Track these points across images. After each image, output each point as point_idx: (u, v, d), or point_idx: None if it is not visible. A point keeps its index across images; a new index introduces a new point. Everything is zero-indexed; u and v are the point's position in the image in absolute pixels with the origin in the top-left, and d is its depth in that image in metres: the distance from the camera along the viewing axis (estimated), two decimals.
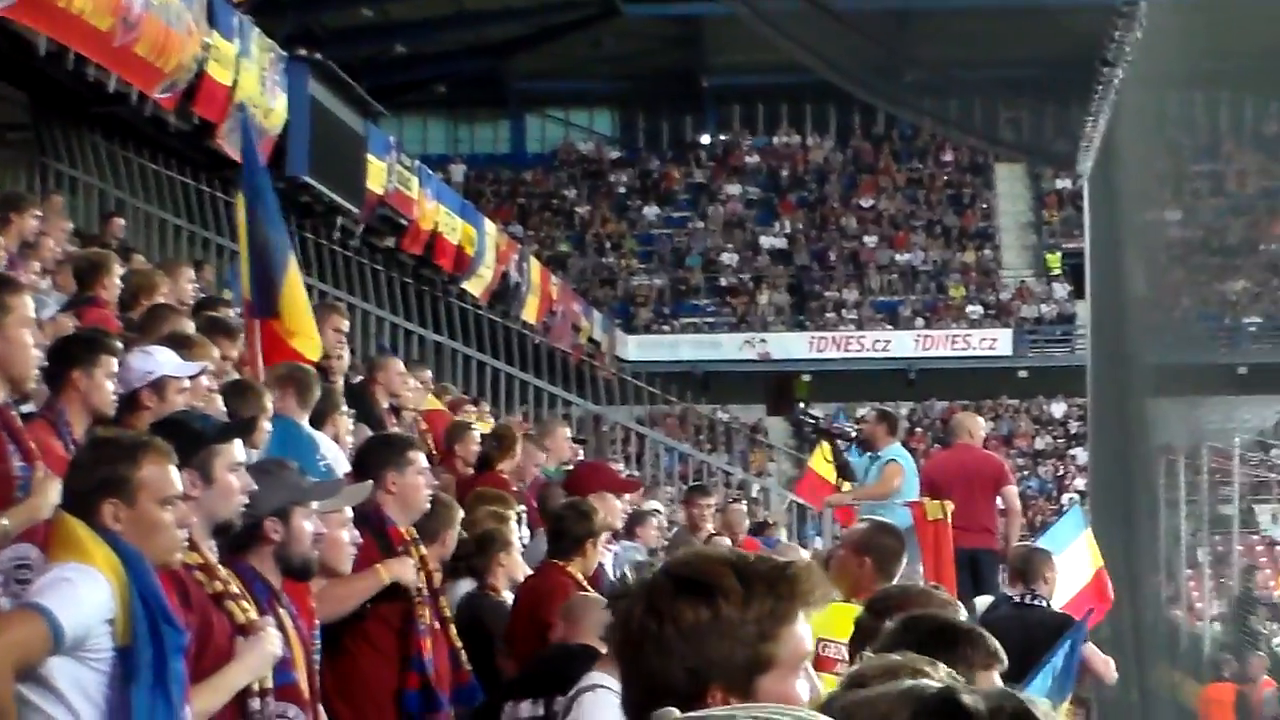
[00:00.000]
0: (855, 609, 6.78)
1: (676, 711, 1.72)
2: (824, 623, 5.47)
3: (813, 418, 15.48)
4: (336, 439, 9.74)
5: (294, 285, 10.49)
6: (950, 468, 15.39)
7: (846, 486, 16.23)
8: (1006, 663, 4.02)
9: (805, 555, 12.52)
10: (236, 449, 6.05)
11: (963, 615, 4.31)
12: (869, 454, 15.29)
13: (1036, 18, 42.46)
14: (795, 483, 20.86)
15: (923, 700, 2.16)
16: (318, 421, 9.46)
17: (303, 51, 26.90)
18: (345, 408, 10.00)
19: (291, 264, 10.60)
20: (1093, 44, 22.11)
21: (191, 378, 7.49)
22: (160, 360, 7.35)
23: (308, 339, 10.38)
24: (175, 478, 5.39)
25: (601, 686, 6.29)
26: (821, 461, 17.03)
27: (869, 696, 2.18)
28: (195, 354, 8.13)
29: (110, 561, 5.06)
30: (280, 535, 6.25)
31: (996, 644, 4.14)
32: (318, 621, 6.89)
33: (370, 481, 7.52)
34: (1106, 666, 12.69)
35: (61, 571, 5.04)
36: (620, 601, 3.05)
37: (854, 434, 17.72)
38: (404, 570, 7.66)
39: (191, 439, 5.83)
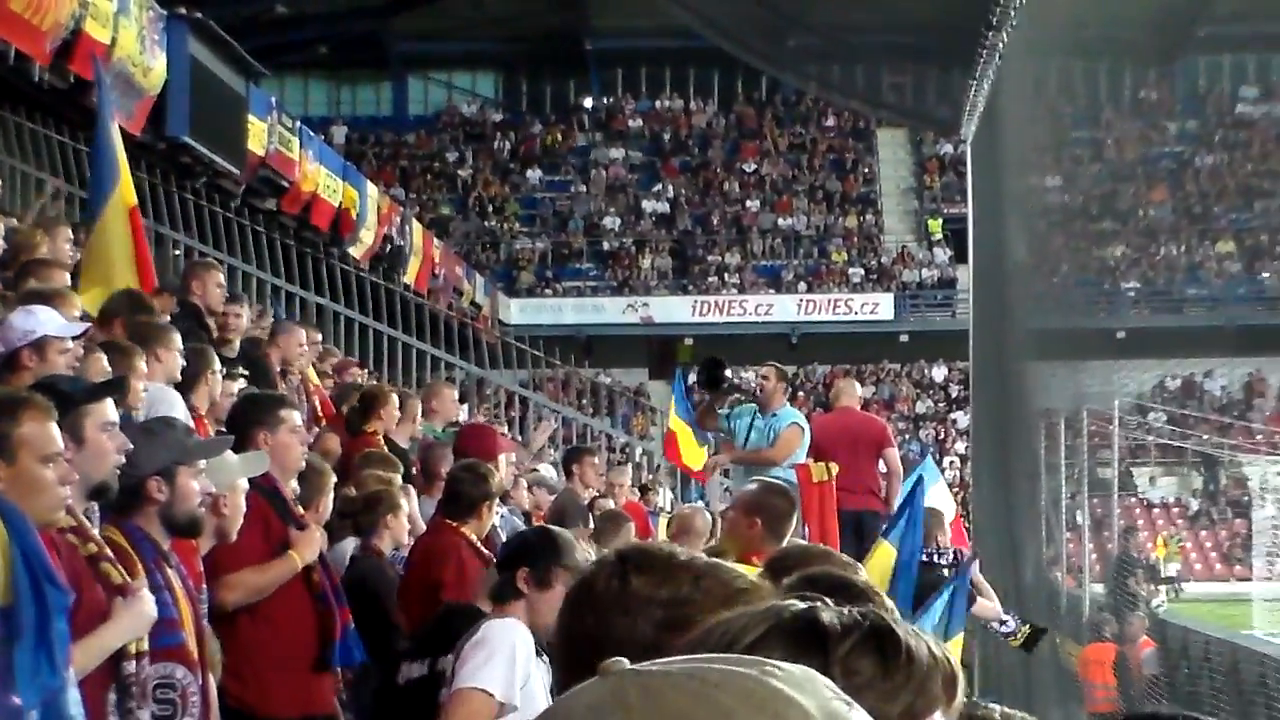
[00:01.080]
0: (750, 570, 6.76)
1: (626, 661, 1.67)
2: None
3: (723, 371, 15.15)
4: (210, 399, 9.61)
5: (107, 232, 10.39)
6: (833, 430, 15.41)
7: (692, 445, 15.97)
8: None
9: (707, 516, 12.53)
10: (108, 409, 5.94)
11: (862, 575, 4.28)
12: (761, 413, 15.09)
13: None
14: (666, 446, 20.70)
15: (780, 618, 2.12)
16: (191, 381, 9.33)
17: (182, 10, 26.54)
18: (218, 367, 9.84)
19: (111, 209, 10.48)
20: (977, 8, 22.17)
21: (74, 338, 7.38)
22: (42, 319, 7.23)
23: (95, 287, 10.27)
24: (56, 435, 5.30)
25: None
26: (678, 421, 16.78)
27: (729, 616, 2.15)
28: (69, 312, 8.01)
29: None
30: (165, 495, 6.17)
31: (892, 604, 4.12)
32: (211, 591, 6.81)
33: (263, 444, 7.43)
34: (991, 604, 12.97)
35: None
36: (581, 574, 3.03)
37: (753, 392, 17.50)
38: (314, 551, 7.61)
39: (61, 400, 5.71)
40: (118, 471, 5.88)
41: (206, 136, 26.44)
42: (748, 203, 59.39)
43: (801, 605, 2.14)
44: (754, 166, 60.70)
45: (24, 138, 23.12)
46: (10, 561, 4.93)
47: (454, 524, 8.80)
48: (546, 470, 15.37)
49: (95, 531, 5.77)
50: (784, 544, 8.06)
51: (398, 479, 10.06)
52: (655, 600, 2.83)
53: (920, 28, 40.30)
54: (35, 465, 5.19)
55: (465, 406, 20.57)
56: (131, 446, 5.94)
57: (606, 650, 1.94)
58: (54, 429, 5.29)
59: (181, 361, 9.04)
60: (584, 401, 34.80)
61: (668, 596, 2.83)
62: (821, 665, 1.93)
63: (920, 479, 12.73)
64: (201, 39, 26.61)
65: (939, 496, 14.25)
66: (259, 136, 28.70)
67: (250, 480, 7.24)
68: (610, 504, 14.93)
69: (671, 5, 37.29)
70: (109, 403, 5.97)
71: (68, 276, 9.81)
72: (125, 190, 11.14)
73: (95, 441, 5.79)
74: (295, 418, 8.05)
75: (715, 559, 2.99)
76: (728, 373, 15.97)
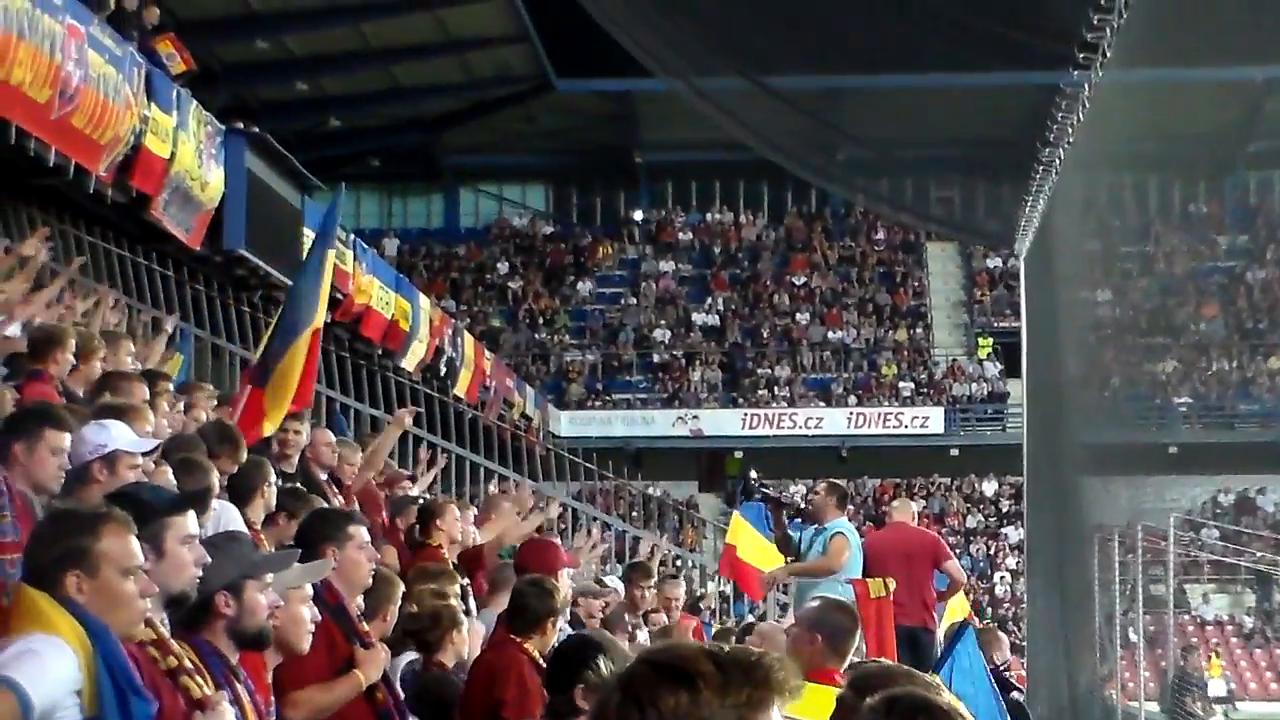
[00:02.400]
0: (819, 689, 6.74)
1: None
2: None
3: (765, 486, 15.37)
4: (267, 510, 9.65)
5: (294, 358, 10.49)
6: (887, 546, 15.39)
7: (767, 557, 16.12)
8: None
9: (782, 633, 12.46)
10: (189, 521, 5.98)
11: (945, 696, 4.27)
12: (814, 526, 15.23)
13: (972, 97, 42.76)
14: (720, 561, 20.77)
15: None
16: (248, 494, 9.38)
17: (240, 124, 26.79)
18: (274, 480, 9.90)
19: (302, 337, 10.59)
20: (1028, 124, 22.24)
21: (145, 454, 7.42)
22: (114, 434, 7.26)
23: (277, 412, 10.39)
24: (136, 548, 5.33)
25: None
26: (741, 536, 16.92)
27: None
28: (142, 427, 8.05)
29: (75, 632, 5.00)
30: (233, 610, 6.18)
31: None
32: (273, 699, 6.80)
33: (329, 558, 7.44)
34: None
35: (28, 643, 4.97)
36: (600, 691, 3.04)
37: (801, 506, 17.72)
38: (378, 670, 7.58)
39: (142, 511, 5.75)
40: (194, 584, 5.91)
41: (262, 249, 26.62)
42: (797, 315, 59.43)
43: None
44: (804, 279, 60.77)
45: (83, 250, 23.34)
46: (96, 674, 4.96)
47: (518, 639, 8.78)
48: (614, 583, 15.28)
49: (175, 645, 5.79)
50: (846, 661, 8.04)
51: (454, 591, 10.05)
52: None
53: (969, 143, 40.42)
54: (117, 578, 5.22)
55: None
56: (209, 560, 5.97)
57: None
58: (134, 542, 5.33)
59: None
60: (634, 513, 34.77)
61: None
62: None
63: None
64: (258, 152, 26.84)
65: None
66: None
67: (316, 598, 7.24)
68: (664, 618, 14.85)
69: (721, 118, 37.48)
70: (190, 515, 6.01)
71: (145, 391, 9.86)
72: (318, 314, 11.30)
73: (175, 554, 5.83)
74: (363, 534, 8.03)
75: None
76: (766, 487, 16.18)
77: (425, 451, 19.03)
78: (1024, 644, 26.48)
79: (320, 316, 11.26)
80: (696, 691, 2.89)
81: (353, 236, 32.29)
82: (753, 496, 15.75)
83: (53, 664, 4.93)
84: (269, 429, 10.39)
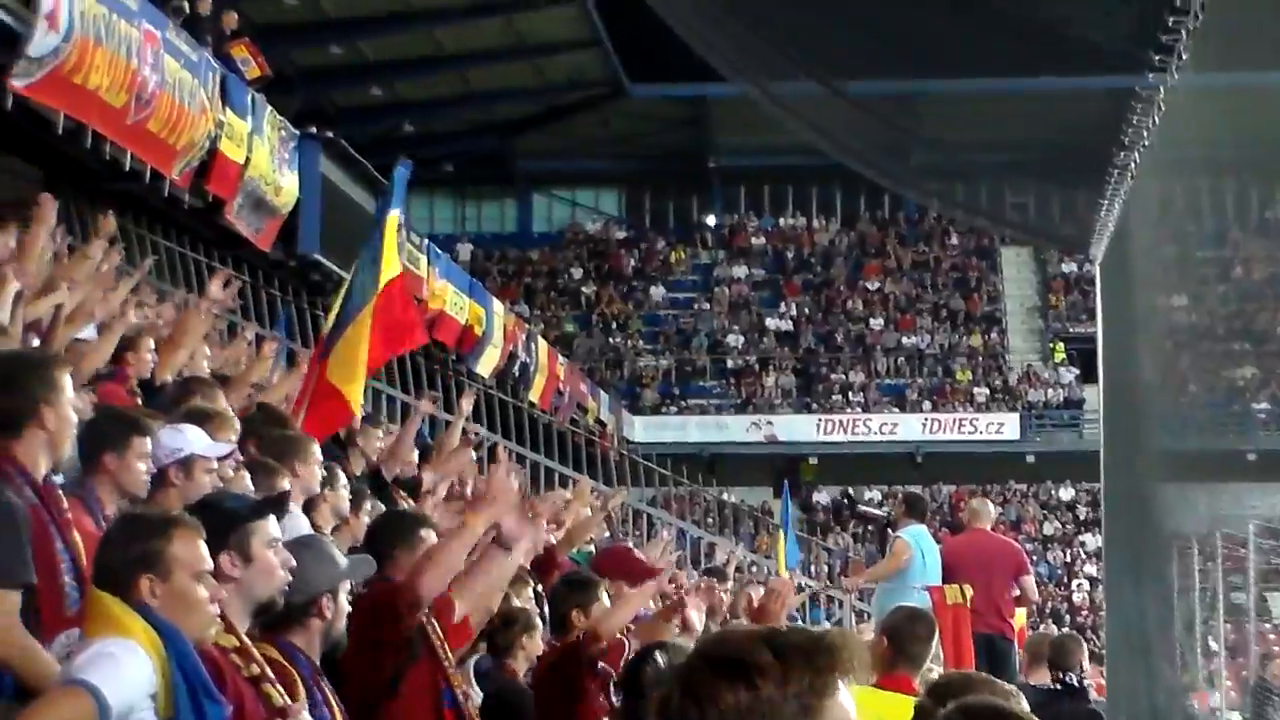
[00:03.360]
0: (892, 696, 6.69)
1: None
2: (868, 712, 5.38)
3: (855, 504, 15.66)
4: (339, 515, 9.59)
5: (356, 334, 10.43)
6: (966, 553, 15.34)
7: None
8: None
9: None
10: (272, 525, 5.99)
11: (1024, 704, 4.21)
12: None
13: (1046, 101, 42.53)
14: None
15: None
16: (313, 498, 9.33)
17: (314, 129, 26.87)
18: (344, 482, 9.84)
19: (362, 314, 10.52)
20: (1103, 128, 22.07)
21: (220, 459, 7.43)
22: (190, 438, 7.29)
23: (354, 387, 10.34)
24: (205, 553, 5.36)
25: None
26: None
27: None
28: (220, 431, 8.04)
29: (149, 636, 5.02)
30: (330, 613, 6.22)
31: None
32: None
33: (369, 556, 7.37)
34: None
35: (104, 646, 4.98)
36: (656, 689, 2.98)
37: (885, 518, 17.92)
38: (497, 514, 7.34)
39: (226, 518, 5.77)
40: (285, 588, 5.92)
41: (337, 254, 26.66)
42: (871, 321, 59.26)
43: None
44: (877, 284, 60.61)
45: (159, 254, 23.45)
46: (170, 677, 4.98)
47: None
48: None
49: (257, 652, 5.80)
50: (920, 668, 7.98)
51: (528, 593, 10.02)
52: None
53: (1044, 147, 40.20)
54: (189, 582, 5.25)
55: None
56: (295, 563, 5.97)
57: None
58: (204, 547, 5.36)
59: (321, 473, 9.05)
60: (708, 519, 34.71)
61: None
62: None
63: None
64: (332, 157, 26.93)
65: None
66: None
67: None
68: (744, 623, 14.79)
69: (795, 122, 37.41)
70: (272, 519, 6.02)
71: (223, 396, 9.84)
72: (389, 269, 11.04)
73: (263, 558, 5.85)
74: (432, 537, 8.00)
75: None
76: (861, 507, 16.51)
77: (502, 452, 19.00)
78: (1103, 652, 26.28)
79: (392, 269, 11.02)
80: (755, 686, 2.84)
81: (426, 241, 32.34)
82: (841, 512, 15.96)
83: (128, 667, 4.95)
84: (355, 408, 10.31)
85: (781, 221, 63.39)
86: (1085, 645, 13.38)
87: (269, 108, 24.46)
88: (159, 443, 7.16)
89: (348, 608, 6.30)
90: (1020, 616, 15.99)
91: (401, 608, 6.95)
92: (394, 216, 10.83)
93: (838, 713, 2.86)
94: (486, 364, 34.19)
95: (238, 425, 8.50)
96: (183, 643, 5.08)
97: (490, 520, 7.25)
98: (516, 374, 36.16)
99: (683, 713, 2.86)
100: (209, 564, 5.37)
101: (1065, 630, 12.83)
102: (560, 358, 42.18)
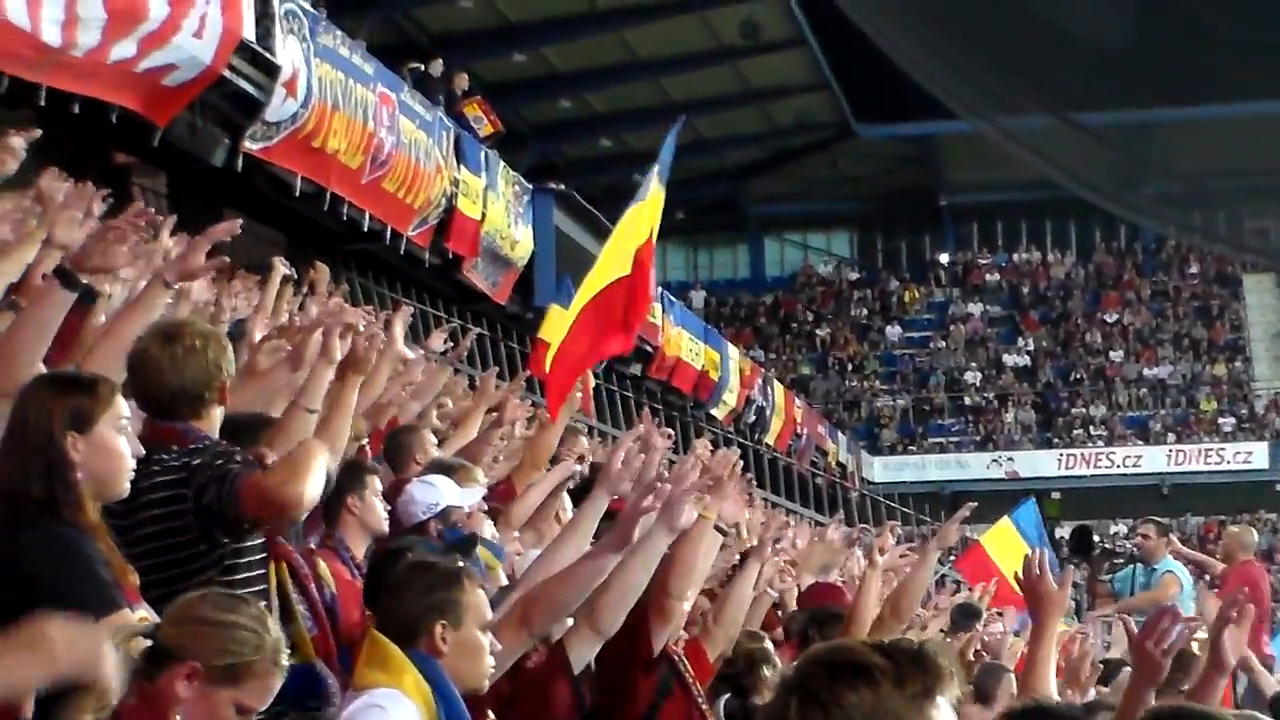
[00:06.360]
0: None
1: None
2: None
3: (1092, 538, 15.56)
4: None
5: (574, 307, 10.50)
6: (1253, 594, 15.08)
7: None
8: None
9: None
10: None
11: None
12: (1143, 566, 15.24)
13: None
14: (958, 557, 20.78)
15: None
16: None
17: (551, 184, 27.20)
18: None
19: (579, 295, 10.59)
20: None
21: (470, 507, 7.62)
22: (443, 490, 7.48)
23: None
24: (488, 603, 5.51)
25: None
26: (997, 542, 17.06)
27: None
28: (466, 481, 8.19)
29: (419, 686, 5.13)
30: None
31: None
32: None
33: None
34: None
35: (372, 699, 5.10)
36: (773, 700, 3.04)
37: (1134, 552, 17.74)
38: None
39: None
40: None
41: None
42: (1111, 353, 58.50)
43: None
44: (1116, 316, 59.81)
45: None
46: None
47: None
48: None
49: None
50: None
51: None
52: None
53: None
54: (477, 631, 5.38)
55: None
56: None
57: None
58: (485, 597, 5.49)
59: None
60: (952, 557, 34.42)
61: None
62: None
63: None
64: (565, 210, 27.21)
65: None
66: None
67: None
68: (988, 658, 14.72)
69: (1027, 156, 37.12)
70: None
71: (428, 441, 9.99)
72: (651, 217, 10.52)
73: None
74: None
75: None
76: (1096, 538, 16.31)
77: (647, 412, 18.82)
78: None
79: (651, 224, 10.44)
80: (877, 685, 2.89)
81: (660, 289, 32.53)
82: (1091, 550, 15.83)
83: (396, 718, 5.05)
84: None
85: (1016, 256, 62.85)
86: None
87: (501, 163, 24.80)
88: (413, 498, 7.38)
89: None
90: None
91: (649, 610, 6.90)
92: (658, 193, 10.42)
93: (948, 715, 2.93)
94: (723, 408, 34.33)
95: (481, 475, 8.63)
96: (453, 694, 5.20)
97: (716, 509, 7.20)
98: (753, 417, 36.21)
99: (805, 716, 2.90)
100: (491, 614, 5.52)
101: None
102: (797, 401, 42.17)
